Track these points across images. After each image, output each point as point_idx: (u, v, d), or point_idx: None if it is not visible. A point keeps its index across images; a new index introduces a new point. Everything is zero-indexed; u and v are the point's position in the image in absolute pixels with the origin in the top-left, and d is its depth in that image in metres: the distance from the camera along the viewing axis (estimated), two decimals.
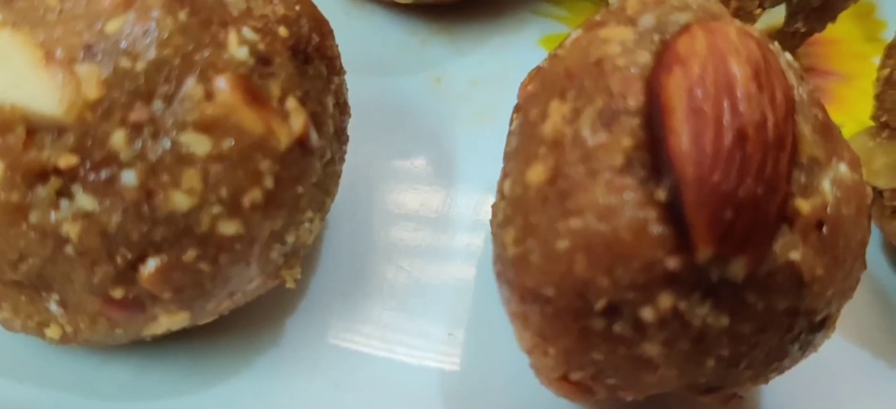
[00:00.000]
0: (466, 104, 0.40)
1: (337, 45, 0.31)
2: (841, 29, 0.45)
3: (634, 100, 0.25)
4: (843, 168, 0.27)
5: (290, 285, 0.30)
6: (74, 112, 0.24)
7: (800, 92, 0.27)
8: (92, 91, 0.24)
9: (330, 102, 0.30)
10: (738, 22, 0.28)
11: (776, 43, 0.29)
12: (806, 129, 0.26)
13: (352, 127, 0.33)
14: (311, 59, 0.29)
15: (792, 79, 0.27)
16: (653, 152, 0.25)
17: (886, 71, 0.36)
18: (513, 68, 0.42)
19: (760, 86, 0.25)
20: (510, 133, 0.31)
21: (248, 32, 0.27)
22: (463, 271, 0.35)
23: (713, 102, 0.24)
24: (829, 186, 0.26)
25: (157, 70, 0.25)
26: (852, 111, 0.43)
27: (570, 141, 0.26)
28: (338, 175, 0.31)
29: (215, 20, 0.26)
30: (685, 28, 0.26)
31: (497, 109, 0.40)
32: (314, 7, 0.30)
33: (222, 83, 0.25)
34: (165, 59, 0.25)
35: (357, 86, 0.34)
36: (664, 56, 0.26)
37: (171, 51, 0.25)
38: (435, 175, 0.38)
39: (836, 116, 0.42)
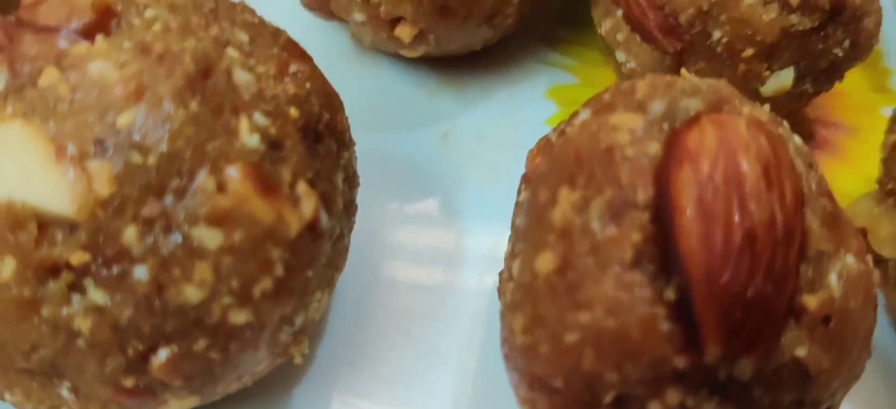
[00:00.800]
0: (474, 161, 0.40)
1: (347, 118, 0.31)
2: (847, 79, 0.44)
3: (644, 193, 0.25)
4: (850, 259, 0.27)
5: (298, 360, 0.30)
6: (86, 210, 0.24)
7: (809, 183, 0.27)
8: (103, 188, 0.24)
9: (339, 178, 0.30)
10: (748, 109, 0.28)
11: (786, 124, 0.29)
12: (814, 223, 0.26)
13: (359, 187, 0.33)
14: (321, 138, 0.29)
15: (801, 167, 0.27)
16: (662, 247, 0.25)
17: (894, 137, 0.36)
18: (521, 123, 0.42)
19: (770, 183, 0.25)
20: (518, 204, 0.31)
21: (259, 118, 0.27)
22: (469, 339, 0.35)
23: (723, 201, 0.25)
24: (836, 280, 0.26)
25: (169, 163, 0.25)
26: (858, 165, 0.43)
27: (578, 231, 0.26)
28: (346, 249, 0.31)
29: (227, 107, 0.26)
30: (695, 119, 0.27)
31: (504, 167, 0.40)
32: (324, 81, 0.30)
33: (234, 173, 0.25)
34: (177, 152, 0.25)
35: (364, 140, 0.34)
36: (674, 150, 0.26)
37: (183, 143, 0.25)
38: (441, 239, 0.38)
39: (842, 171, 0.42)
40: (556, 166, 0.28)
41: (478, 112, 0.42)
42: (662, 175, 0.25)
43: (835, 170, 0.42)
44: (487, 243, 0.37)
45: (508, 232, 0.31)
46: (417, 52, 0.40)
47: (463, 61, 0.43)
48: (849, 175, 0.42)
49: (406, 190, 0.39)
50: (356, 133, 0.33)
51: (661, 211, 0.25)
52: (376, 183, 0.37)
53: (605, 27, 0.39)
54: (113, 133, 0.24)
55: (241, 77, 0.27)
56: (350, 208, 0.31)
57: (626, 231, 0.25)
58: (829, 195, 0.28)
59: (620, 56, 0.38)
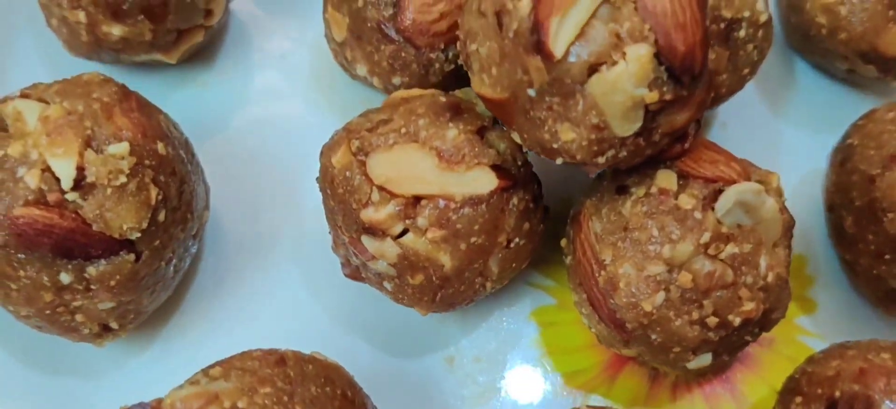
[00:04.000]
0: (472, 384, 0.52)
1: None
2: None
3: None
4: None
5: None
6: None
7: None
8: None
9: None
10: None
11: None
12: None
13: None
14: None
15: None
16: None
17: None
18: (507, 344, 0.53)
19: None
20: None
21: None
22: None
23: None
24: None
25: None
26: (768, 377, 0.54)
27: None
28: None
29: None
30: None
31: (493, 390, 0.52)
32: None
33: None
34: None
35: (375, 364, 0.45)
36: None
37: None
38: None
39: (753, 382, 0.54)
40: None
41: (475, 335, 0.54)
42: None
43: (746, 380, 0.54)
44: None
45: None
46: None
47: None
48: (759, 388, 0.54)
49: None
50: (365, 357, 0.45)
51: None
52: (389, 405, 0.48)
53: (573, 298, 0.50)
54: None
55: None
56: None
57: None
58: None
59: (583, 319, 0.50)
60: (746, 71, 0.53)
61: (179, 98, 0.57)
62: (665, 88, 0.40)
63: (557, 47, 0.39)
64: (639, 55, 0.39)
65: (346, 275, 0.50)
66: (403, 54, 0.51)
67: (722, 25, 0.50)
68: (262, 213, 0.55)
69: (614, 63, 0.39)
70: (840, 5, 0.55)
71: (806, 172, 0.59)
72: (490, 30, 0.42)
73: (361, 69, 0.54)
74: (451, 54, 0.51)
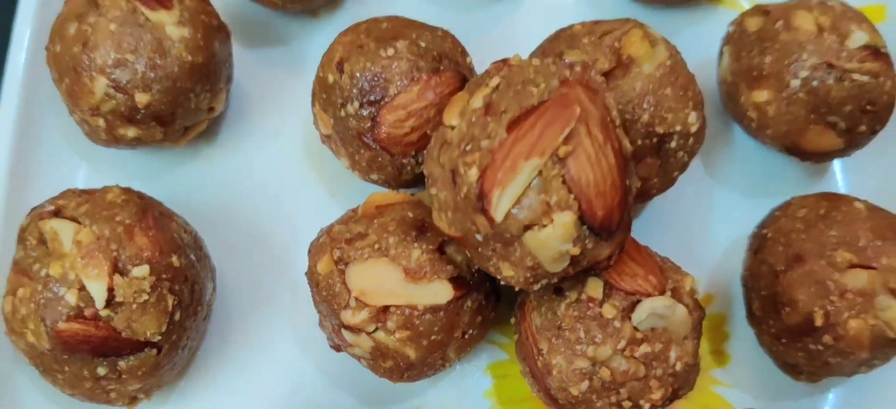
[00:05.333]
0: None
1: None
2: None
3: None
4: None
5: None
6: None
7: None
8: None
9: None
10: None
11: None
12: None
13: None
14: None
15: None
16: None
17: None
18: (466, 395, 0.64)
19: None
20: None
21: None
22: None
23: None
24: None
25: None
26: None
27: None
28: None
29: None
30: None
31: None
32: None
33: None
34: None
35: None
36: None
37: None
38: None
39: None
40: None
41: (440, 387, 0.64)
42: None
43: None
44: None
45: None
46: None
47: None
48: None
49: None
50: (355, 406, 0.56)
51: None
52: None
53: (519, 369, 0.60)
54: None
55: None
56: None
57: None
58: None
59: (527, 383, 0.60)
60: (676, 173, 0.61)
61: (184, 173, 0.66)
62: (587, 242, 0.49)
63: (498, 214, 0.48)
64: (564, 221, 0.47)
65: (330, 347, 0.60)
66: (380, 159, 0.59)
67: (654, 140, 0.58)
68: (261, 277, 0.65)
69: (544, 226, 0.48)
70: (768, 105, 0.62)
71: (738, 236, 0.68)
72: (447, 182, 0.50)
73: (344, 162, 0.62)
74: (419, 159, 0.60)
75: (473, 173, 0.48)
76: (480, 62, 0.61)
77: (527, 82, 0.49)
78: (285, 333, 0.64)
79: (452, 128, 0.51)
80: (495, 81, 0.51)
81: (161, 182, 0.66)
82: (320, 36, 0.70)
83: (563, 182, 0.48)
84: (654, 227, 0.68)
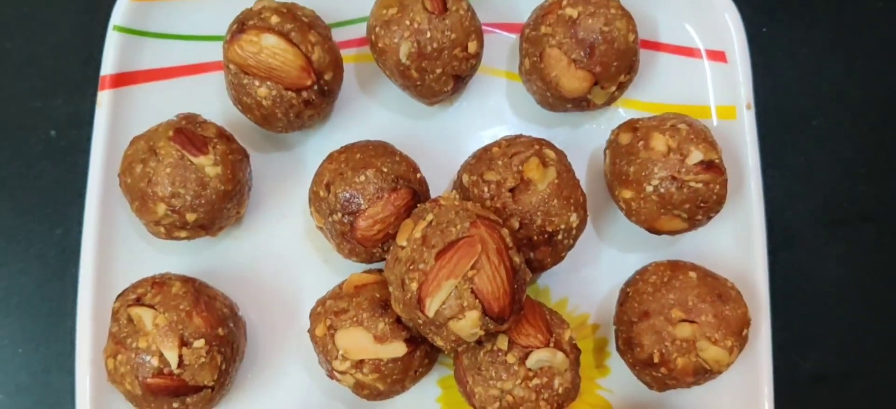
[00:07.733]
0: None
1: None
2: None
3: None
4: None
5: None
6: None
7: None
8: None
9: None
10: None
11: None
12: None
13: None
14: None
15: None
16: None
17: None
18: (420, 403, 0.91)
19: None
20: None
21: None
22: None
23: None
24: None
25: None
26: None
27: None
28: None
29: None
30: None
31: None
32: None
33: None
34: None
35: None
36: None
37: None
38: None
39: None
40: None
41: (402, 396, 0.91)
42: None
43: None
44: None
45: None
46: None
47: None
48: None
49: None
50: None
51: None
52: None
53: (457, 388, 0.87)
54: None
55: None
56: None
57: None
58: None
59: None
60: (564, 253, 0.87)
61: (219, 251, 0.92)
62: (490, 326, 0.75)
63: (430, 312, 0.74)
64: (472, 316, 0.74)
65: (327, 376, 0.87)
66: (357, 249, 0.85)
67: (546, 235, 0.83)
68: (277, 325, 0.91)
69: (460, 318, 0.74)
70: (632, 201, 0.87)
71: (617, 282, 0.93)
72: (398, 286, 0.76)
73: (332, 245, 0.88)
74: (385, 247, 0.85)
75: (414, 286, 0.74)
76: (431, 158, 0.89)
77: (449, 223, 0.75)
78: (296, 365, 0.91)
79: (402, 248, 0.77)
80: (430, 216, 0.76)
81: (202, 257, 0.92)
82: (314, 144, 0.94)
83: (472, 292, 0.74)
84: (559, 274, 0.95)
